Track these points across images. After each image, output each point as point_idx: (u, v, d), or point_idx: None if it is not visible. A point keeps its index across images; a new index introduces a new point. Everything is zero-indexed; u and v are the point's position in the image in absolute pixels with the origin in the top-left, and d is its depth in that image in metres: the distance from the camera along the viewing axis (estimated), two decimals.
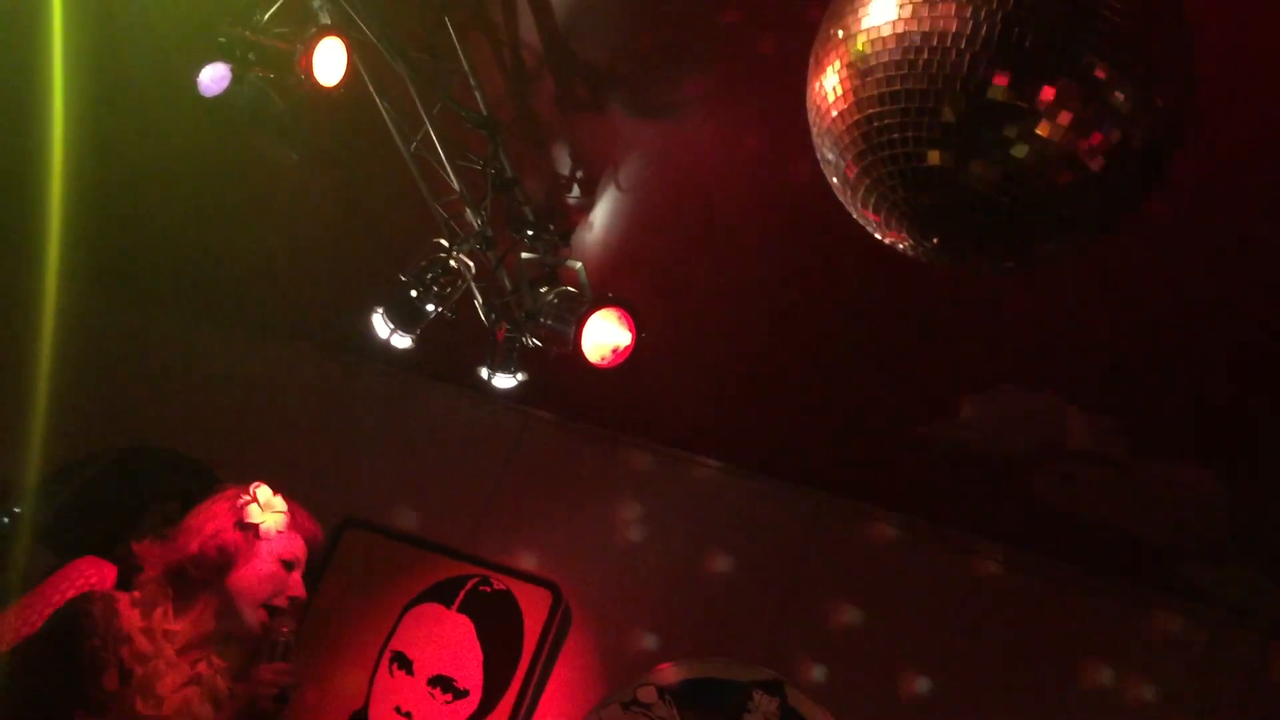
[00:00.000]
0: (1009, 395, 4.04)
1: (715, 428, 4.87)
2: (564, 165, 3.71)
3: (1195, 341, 3.44)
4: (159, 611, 3.05)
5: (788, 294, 3.95)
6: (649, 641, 4.77)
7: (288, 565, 3.19)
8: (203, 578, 3.10)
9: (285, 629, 3.18)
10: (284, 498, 3.27)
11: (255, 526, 3.16)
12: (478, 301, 3.90)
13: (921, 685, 4.54)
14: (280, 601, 3.16)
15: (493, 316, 3.96)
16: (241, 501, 3.20)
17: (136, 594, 3.08)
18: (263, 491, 3.23)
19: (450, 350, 4.03)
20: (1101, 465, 4.12)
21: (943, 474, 4.51)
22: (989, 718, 4.46)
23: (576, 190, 3.74)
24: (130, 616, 3.01)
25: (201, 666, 3.07)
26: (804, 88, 2.98)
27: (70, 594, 3.23)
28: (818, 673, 4.62)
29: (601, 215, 3.83)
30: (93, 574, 3.39)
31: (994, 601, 4.63)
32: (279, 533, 3.19)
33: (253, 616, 3.11)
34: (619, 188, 3.71)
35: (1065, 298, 3.44)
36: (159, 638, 3.02)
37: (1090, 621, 4.53)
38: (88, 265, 3.82)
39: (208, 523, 3.16)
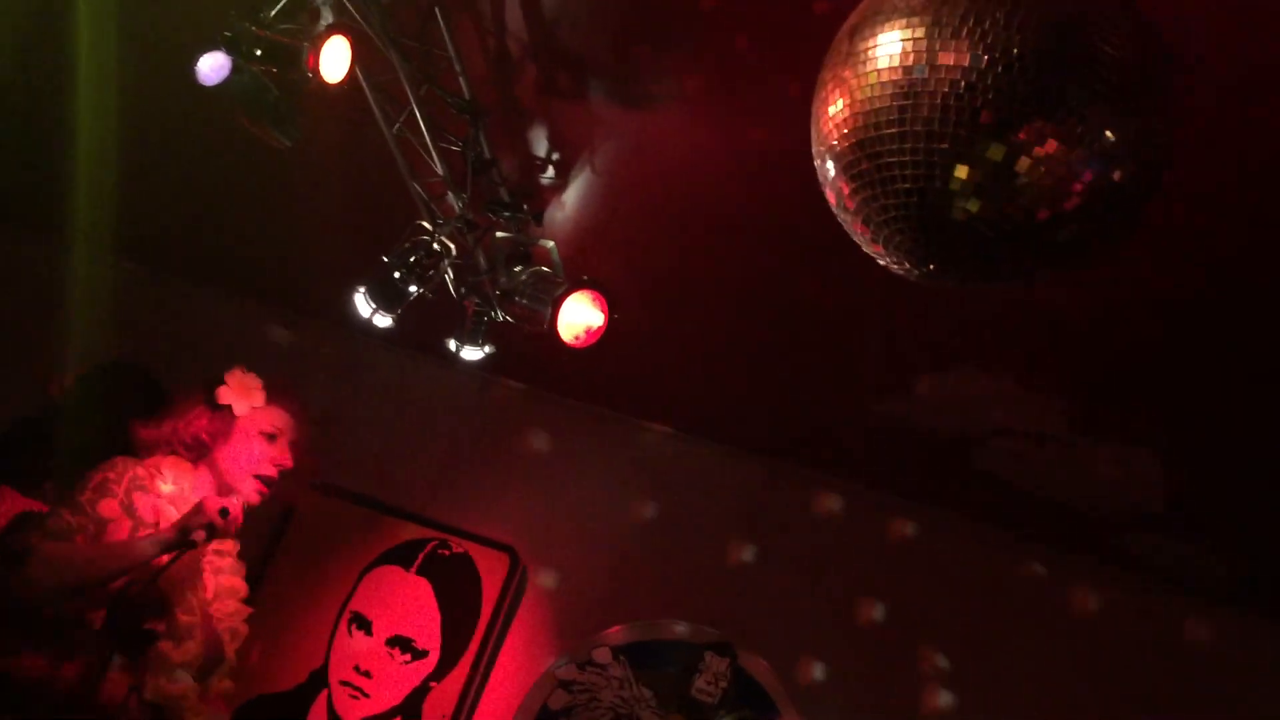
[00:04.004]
0: (959, 375, 4.22)
1: (673, 396, 4.99)
2: (540, 148, 3.77)
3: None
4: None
5: (750, 275, 4.07)
6: (603, 604, 4.89)
7: (269, 437, 3.39)
8: (190, 457, 3.34)
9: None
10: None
11: (227, 407, 3.38)
12: (449, 276, 3.96)
13: (868, 633, 4.74)
14: (269, 471, 3.36)
15: (462, 291, 4.03)
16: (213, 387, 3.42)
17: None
18: (233, 376, 3.44)
19: (415, 320, 4.09)
20: (1046, 442, 4.33)
21: (892, 447, 4.69)
22: (928, 678, 4.67)
23: (551, 172, 3.81)
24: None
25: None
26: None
27: None
28: (767, 634, 4.78)
29: (574, 196, 3.91)
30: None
31: (937, 567, 4.82)
32: (255, 409, 3.40)
33: (248, 488, 3.31)
34: (593, 171, 3.79)
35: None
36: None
37: (1025, 587, 4.76)
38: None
39: (183, 411, 3.39)
